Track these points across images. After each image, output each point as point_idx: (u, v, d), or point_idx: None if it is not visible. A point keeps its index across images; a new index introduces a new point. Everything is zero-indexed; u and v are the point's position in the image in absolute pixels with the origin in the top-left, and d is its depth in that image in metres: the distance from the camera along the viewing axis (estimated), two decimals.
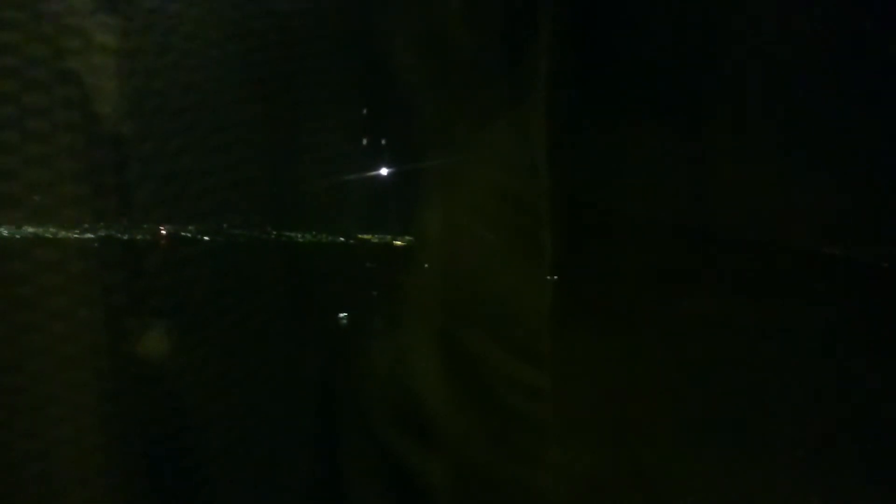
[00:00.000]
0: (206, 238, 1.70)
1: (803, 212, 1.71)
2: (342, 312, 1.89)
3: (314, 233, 1.85)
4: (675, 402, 1.68)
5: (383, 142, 1.88)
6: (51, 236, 1.48)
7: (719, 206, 1.77)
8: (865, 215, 1.70)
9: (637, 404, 1.69)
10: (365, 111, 1.88)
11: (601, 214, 1.75)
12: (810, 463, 1.63)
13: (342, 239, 1.89)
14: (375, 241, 1.90)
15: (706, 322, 1.67)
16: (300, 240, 1.84)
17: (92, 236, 1.53)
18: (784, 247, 1.73)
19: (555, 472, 1.68)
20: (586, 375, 1.71)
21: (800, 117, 1.71)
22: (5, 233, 1.45)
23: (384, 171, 1.87)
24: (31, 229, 1.46)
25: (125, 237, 1.57)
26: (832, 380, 1.65)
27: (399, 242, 1.89)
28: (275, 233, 1.81)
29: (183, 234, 1.66)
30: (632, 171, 1.75)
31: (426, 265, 1.82)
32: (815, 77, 1.69)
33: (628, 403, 1.70)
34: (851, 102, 1.67)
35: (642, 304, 1.72)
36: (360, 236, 1.90)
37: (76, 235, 1.51)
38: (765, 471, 1.65)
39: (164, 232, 1.63)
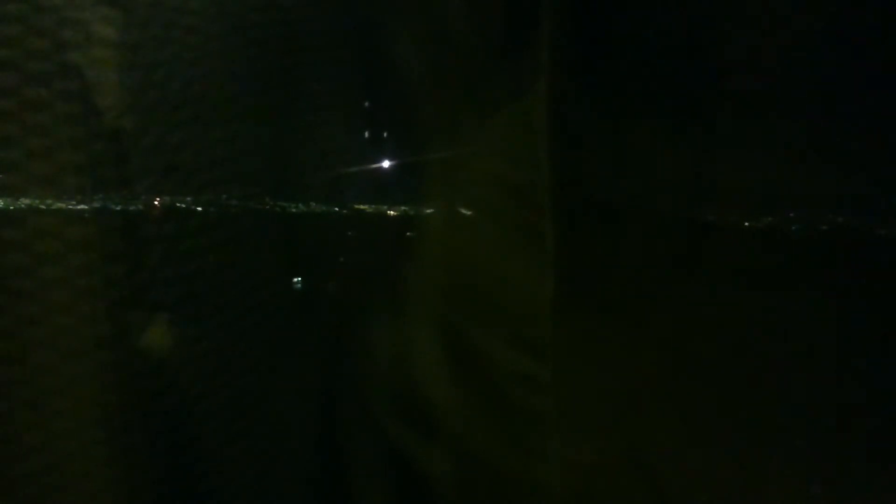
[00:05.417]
0: (199, 209, 1.72)
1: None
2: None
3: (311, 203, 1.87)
4: (678, 393, 1.68)
5: (383, 133, 1.89)
6: (45, 207, 1.51)
7: (722, 195, 1.76)
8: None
9: (639, 395, 1.70)
10: (365, 103, 1.88)
11: (602, 204, 1.74)
12: (815, 455, 1.65)
13: (336, 208, 1.91)
14: (371, 210, 1.92)
15: (709, 312, 1.67)
16: (294, 210, 1.86)
17: (86, 207, 1.55)
18: (786, 234, 1.72)
19: (555, 463, 1.70)
20: (587, 366, 1.71)
21: (804, 106, 1.69)
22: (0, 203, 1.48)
23: (384, 163, 1.88)
24: (26, 200, 1.49)
25: (118, 208, 1.59)
26: (841, 371, 1.65)
27: (393, 212, 1.91)
28: (270, 203, 1.83)
29: (179, 204, 1.69)
30: (633, 160, 1.73)
31: (424, 256, 1.81)
32: (819, 65, 1.67)
33: (630, 394, 1.70)
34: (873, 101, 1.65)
35: (644, 294, 1.71)
36: (356, 206, 1.92)
37: (71, 206, 1.53)
38: (768, 463, 1.66)
39: (157, 203, 1.66)
